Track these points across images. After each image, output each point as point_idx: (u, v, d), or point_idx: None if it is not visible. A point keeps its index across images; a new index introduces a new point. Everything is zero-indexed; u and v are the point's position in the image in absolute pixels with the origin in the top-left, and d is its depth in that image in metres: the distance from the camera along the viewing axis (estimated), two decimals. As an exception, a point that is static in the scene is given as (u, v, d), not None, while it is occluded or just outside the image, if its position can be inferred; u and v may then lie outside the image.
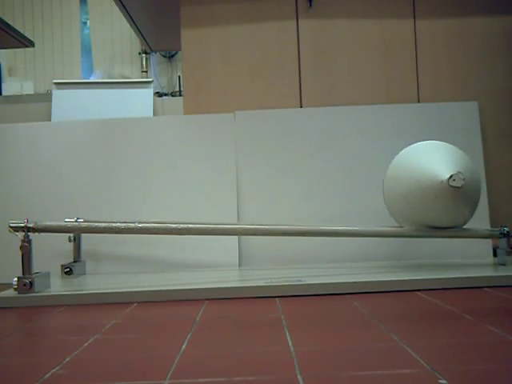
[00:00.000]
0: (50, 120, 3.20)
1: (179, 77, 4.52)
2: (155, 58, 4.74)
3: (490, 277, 1.21)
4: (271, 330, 0.87)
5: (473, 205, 1.26)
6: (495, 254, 1.46)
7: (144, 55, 4.73)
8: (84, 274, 1.50)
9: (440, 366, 0.65)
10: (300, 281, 1.20)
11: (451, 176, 1.17)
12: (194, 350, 0.77)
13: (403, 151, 1.34)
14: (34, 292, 1.18)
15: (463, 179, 1.16)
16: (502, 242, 1.37)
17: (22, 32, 2.55)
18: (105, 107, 3.23)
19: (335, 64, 1.68)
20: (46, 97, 3.52)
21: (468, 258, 1.48)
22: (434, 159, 1.23)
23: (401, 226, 1.35)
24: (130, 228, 1.26)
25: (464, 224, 1.30)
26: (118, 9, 2.11)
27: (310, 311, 1.02)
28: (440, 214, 1.24)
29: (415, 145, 1.33)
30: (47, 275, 1.25)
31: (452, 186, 1.16)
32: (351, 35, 1.69)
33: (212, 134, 1.60)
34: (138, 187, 1.57)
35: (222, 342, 0.81)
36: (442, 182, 1.17)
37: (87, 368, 0.70)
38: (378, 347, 0.75)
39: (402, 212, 1.29)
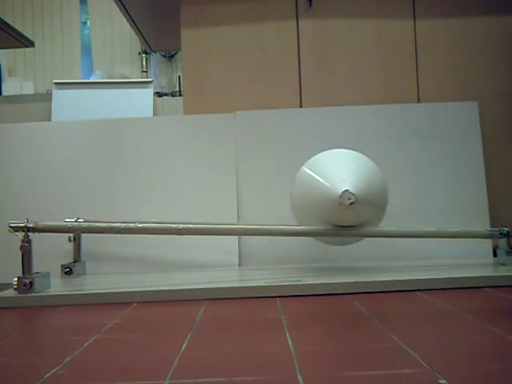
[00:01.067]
0: (50, 120, 3.19)
1: (179, 77, 4.52)
2: (155, 57, 4.74)
3: (490, 277, 1.21)
4: (271, 330, 0.87)
5: (377, 206, 1.27)
6: (495, 254, 1.46)
7: (144, 55, 4.74)
8: (84, 273, 1.50)
9: (440, 366, 0.65)
10: (300, 281, 1.20)
11: (342, 195, 1.19)
12: (194, 350, 0.77)
13: (310, 159, 1.35)
14: (34, 292, 1.18)
15: (353, 197, 1.19)
16: (502, 242, 1.37)
17: (22, 32, 2.55)
18: (105, 107, 3.22)
19: (335, 64, 1.68)
20: (46, 97, 3.52)
21: (468, 257, 1.48)
22: (332, 173, 1.25)
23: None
24: (129, 228, 1.26)
25: (380, 220, 1.31)
26: (118, 9, 2.11)
27: (310, 311, 1.02)
28: (345, 221, 1.26)
29: (321, 154, 1.35)
30: (47, 275, 1.25)
31: (345, 205, 1.19)
32: (351, 35, 1.69)
33: (212, 134, 1.60)
34: (138, 187, 1.57)
35: (222, 341, 0.81)
36: (337, 201, 1.20)
37: (87, 368, 0.70)
38: (377, 347, 0.75)
39: (305, 216, 1.32)
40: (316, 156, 1.35)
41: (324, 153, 1.35)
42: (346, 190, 1.19)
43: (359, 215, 1.25)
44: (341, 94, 1.67)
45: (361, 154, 1.33)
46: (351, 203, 1.18)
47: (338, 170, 1.27)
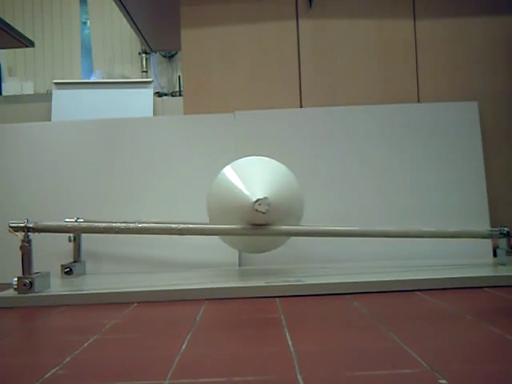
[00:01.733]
0: (50, 120, 3.19)
1: (179, 77, 4.52)
2: (155, 58, 4.74)
3: (490, 277, 1.21)
4: (271, 330, 0.87)
5: (291, 210, 1.30)
6: (495, 254, 1.46)
7: (144, 55, 4.74)
8: (84, 274, 1.50)
9: (440, 366, 0.65)
10: (300, 281, 1.20)
11: (256, 201, 1.21)
12: (194, 350, 0.77)
13: (230, 165, 1.37)
14: (34, 292, 1.18)
15: (267, 204, 1.21)
16: (502, 242, 1.37)
17: (22, 32, 2.55)
18: (105, 107, 3.22)
19: (335, 64, 1.68)
20: (46, 97, 3.52)
21: (468, 257, 1.48)
22: (248, 181, 1.28)
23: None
24: (130, 228, 1.26)
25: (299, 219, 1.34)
26: (118, 9, 2.11)
27: (310, 311, 1.02)
28: (259, 221, 1.27)
29: (240, 161, 1.37)
30: (47, 275, 1.25)
31: (259, 211, 1.21)
32: (351, 35, 1.69)
33: (212, 134, 1.60)
34: (138, 187, 1.57)
35: (222, 342, 0.81)
36: (251, 210, 1.22)
37: (87, 368, 0.70)
38: (378, 347, 0.75)
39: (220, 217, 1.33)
40: (235, 162, 1.37)
41: (241, 159, 1.38)
42: (261, 199, 1.21)
43: (270, 216, 1.26)
44: (341, 94, 1.67)
45: (275, 161, 1.37)
46: (264, 212, 1.21)
47: (255, 176, 1.29)
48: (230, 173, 1.33)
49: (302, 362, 0.68)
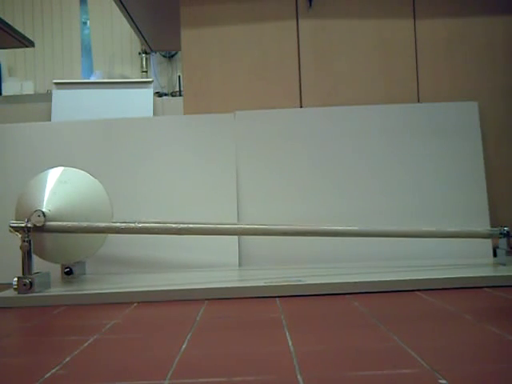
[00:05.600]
0: (50, 120, 3.19)
1: (179, 77, 4.52)
2: (155, 57, 4.75)
3: (490, 277, 1.21)
4: (271, 330, 0.87)
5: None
6: (495, 254, 1.46)
7: (144, 55, 4.74)
8: (84, 274, 1.50)
9: (440, 366, 0.65)
10: (300, 281, 1.20)
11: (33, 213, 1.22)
12: (194, 350, 0.77)
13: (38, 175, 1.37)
14: (34, 292, 1.18)
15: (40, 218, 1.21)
16: (502, 242, 1.37)
17: (22, 32, 2.55)
18: (105, 107, 3.22)
19: (335, 64, 1.68)
20: (46, 97, 3.51)
21: (468, 258, 1.48)
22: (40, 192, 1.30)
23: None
24: (130, 228, 1.25)
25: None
26: (118, 9, 2.11)
27: (310, 311, 1.02)
28: None
29: (44, 173, 1.38)
30: (47, 275, 1.25)
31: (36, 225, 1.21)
32: (351, 35, 1.69)
33: (212, 134, 1.60)
34: (138, 187, 1.57)
35: (222, 342, 0.81)
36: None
37: (87, 368, 0.70)
38: (378, 347, 0.75)
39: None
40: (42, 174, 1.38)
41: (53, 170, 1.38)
42: (38, 210, 1.22)
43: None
44: (341, 94, 1.67)
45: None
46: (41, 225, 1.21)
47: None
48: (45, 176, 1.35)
49: (301, 362, 0.68)
